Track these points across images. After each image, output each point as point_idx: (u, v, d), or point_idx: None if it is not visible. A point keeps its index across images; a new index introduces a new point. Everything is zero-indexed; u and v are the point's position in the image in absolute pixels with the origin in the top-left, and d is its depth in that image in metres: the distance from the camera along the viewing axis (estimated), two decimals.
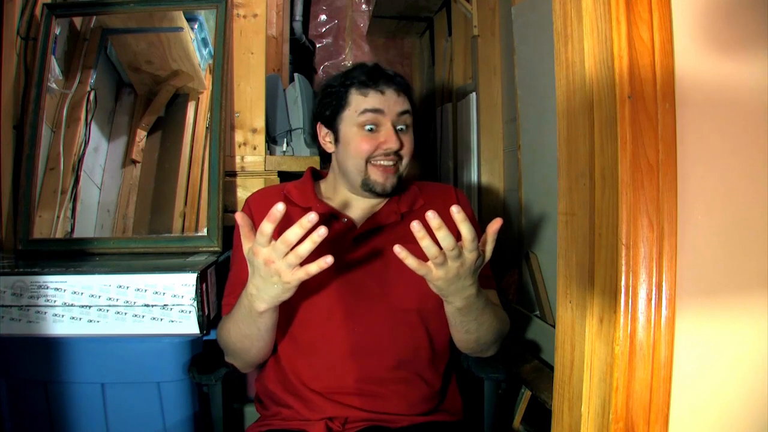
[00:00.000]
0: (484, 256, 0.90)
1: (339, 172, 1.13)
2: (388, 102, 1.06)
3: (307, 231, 0.82)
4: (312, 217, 0.80)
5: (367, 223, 1.10)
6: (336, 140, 1.11)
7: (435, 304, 1.02)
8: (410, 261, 0.84)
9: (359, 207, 1.13)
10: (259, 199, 1.15)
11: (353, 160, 1.07)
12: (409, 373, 1.06)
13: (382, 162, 1.06)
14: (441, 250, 0.83)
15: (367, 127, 1.05)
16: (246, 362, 1.09)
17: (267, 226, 0.82)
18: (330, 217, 1.09)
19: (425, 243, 0.83)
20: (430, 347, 1.09)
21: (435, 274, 0.87)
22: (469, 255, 0.85)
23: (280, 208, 0.81)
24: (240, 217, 0.87)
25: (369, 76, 1.07)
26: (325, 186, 1.18)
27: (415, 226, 0.81)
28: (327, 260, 0.83)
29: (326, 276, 1.03)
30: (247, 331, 0.99)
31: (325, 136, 1.14)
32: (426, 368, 1.08)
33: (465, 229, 0.83)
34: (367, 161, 1.06)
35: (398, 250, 0.83)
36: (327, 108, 1.11)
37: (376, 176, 1.06)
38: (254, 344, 1.01)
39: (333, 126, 1.11)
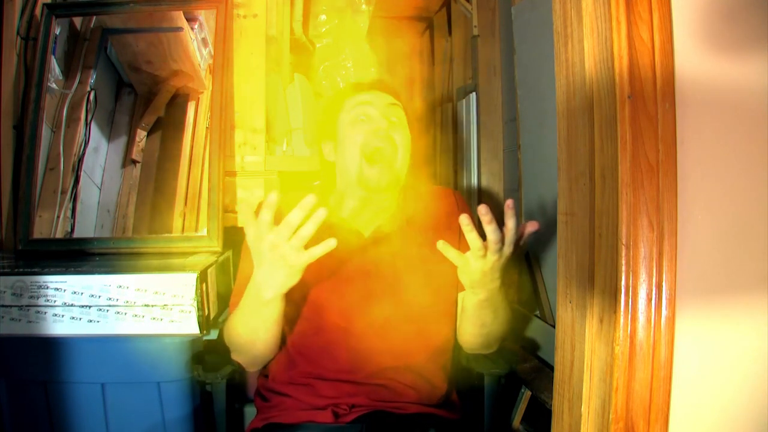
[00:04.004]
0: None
1: (341, 180, 1.19)
2: (376, 96, 1.17)
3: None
4: (311, 199, 0.85)
5: (375, 231, 1.14)
6: (336, 145, 1.18)
7: (439, 305, 1.07)
8: (451, 253, 0.94)
9: (365, 217, 1.16)
10: None
11: (349, 151, 1.13)
12: (413, 372, 1.07)
13: (375, 143, 1.11)
14: (484, 243, 0.91)
15: (360, 117, 1.14)
16: (252, 357, 1.09)
17: (265, 214, 0.88)
18: (338, 226, 1.11)
19: (471, 237, 0.91)
20: (434, 346, 1.10)
21: (473, 265, 0.94)
22: (508, 249, 0.93)
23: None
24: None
25: (356, 86, 1.22)
26: (333, 199, 1.21)
27: (463, 220, 0.90)
28: (330, 243, 0.89)
29: (335, 278, 1.07)
30: (253, 323, 1.00)
31: (328, 147, 1.22)
32: (429, 367, 1.09)
33: (509, 224, 0.92)
34: (362, 156, 1.11)
35: (441, 245, 0.93)
36: (328, 121, 1.22)
37: (370, 171, 1.11)
38: (260, 337, 1.02)
39: (334, 134, 1.19)
